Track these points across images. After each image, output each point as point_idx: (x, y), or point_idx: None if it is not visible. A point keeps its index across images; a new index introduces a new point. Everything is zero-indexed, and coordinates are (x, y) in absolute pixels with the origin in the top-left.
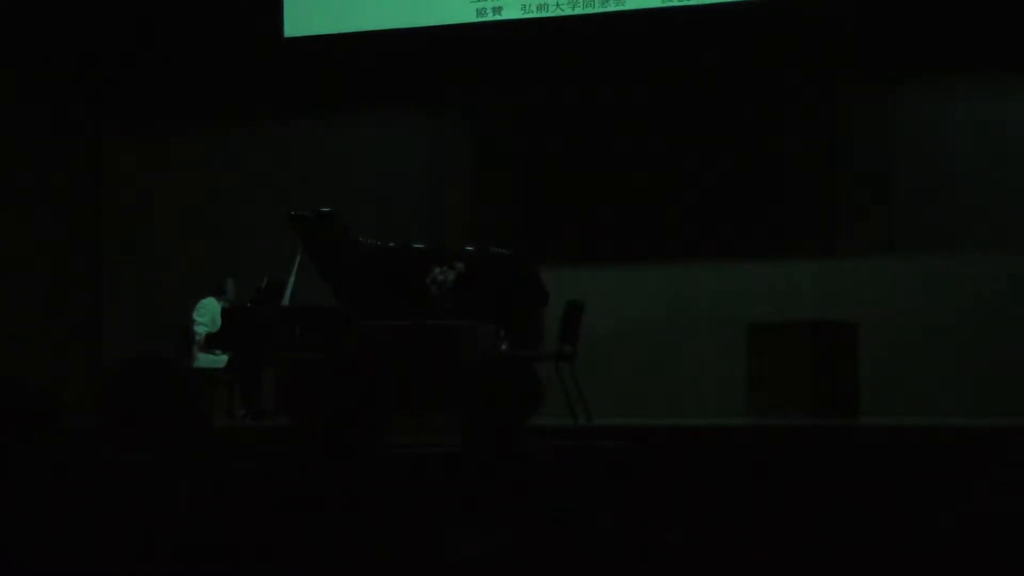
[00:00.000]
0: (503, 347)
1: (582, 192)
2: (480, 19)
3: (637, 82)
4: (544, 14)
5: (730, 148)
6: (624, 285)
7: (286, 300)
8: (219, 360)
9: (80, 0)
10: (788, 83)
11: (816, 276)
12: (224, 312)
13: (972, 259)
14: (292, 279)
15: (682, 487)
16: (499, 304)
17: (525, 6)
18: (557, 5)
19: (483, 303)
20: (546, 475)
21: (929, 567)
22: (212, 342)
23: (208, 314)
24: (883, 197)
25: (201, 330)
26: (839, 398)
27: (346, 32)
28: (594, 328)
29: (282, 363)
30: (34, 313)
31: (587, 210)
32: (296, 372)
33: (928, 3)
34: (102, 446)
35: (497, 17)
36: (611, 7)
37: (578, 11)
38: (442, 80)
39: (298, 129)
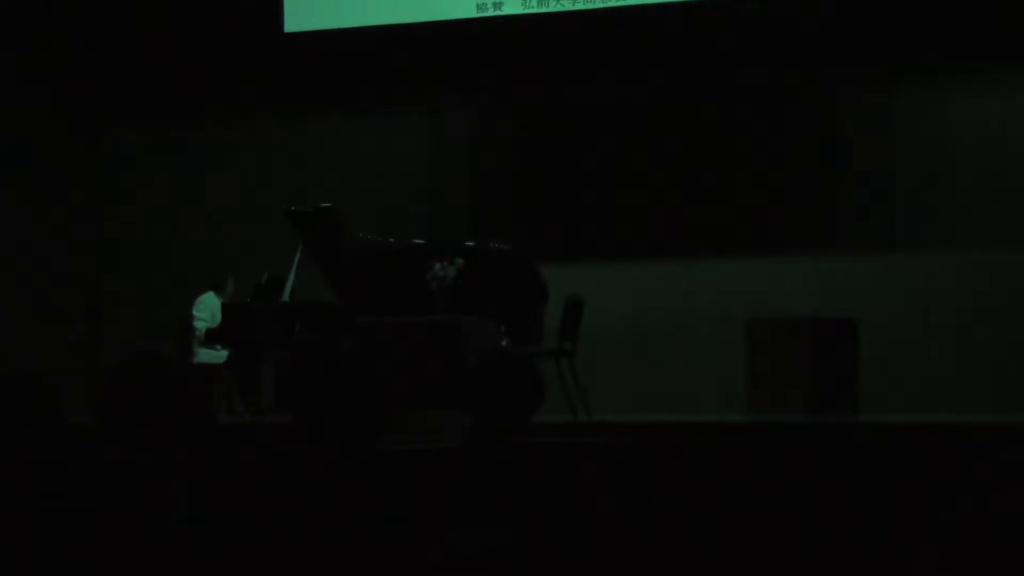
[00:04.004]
0: (504, 343)
1: (582, 189)
2: (480, 14)
3: (637, 80)
4: (544, 9)
5: (730, 147)
6: (624, 282)
7: (286, 296)
8: (219, 355)
9: None
10: (788, 83)
11: (815, 274)
12: (224, 308)
13: (972, 259)
14: (292, 275)
15: (682, 485)
16: (499, 300)
17: (525, 1)
18: (558, 0)
19: (483, 299)
20: (546, 473)
21: (929, 566)
22: (212, 337)
23: (207, 310)
24: (883, 197)
25: (201, 326)
26: (838, 396)
27: (346, 27)
28: (594, 325)
29: (282, 359)
30: (34, 312)
31: (587, 207)
32: (295, 369)
33: (928, 2)
34: (102, 446)
35: (497, 12)
36: (611, 3)
37: (579, 7)
38: (442, 76)
39: (298, 125)
